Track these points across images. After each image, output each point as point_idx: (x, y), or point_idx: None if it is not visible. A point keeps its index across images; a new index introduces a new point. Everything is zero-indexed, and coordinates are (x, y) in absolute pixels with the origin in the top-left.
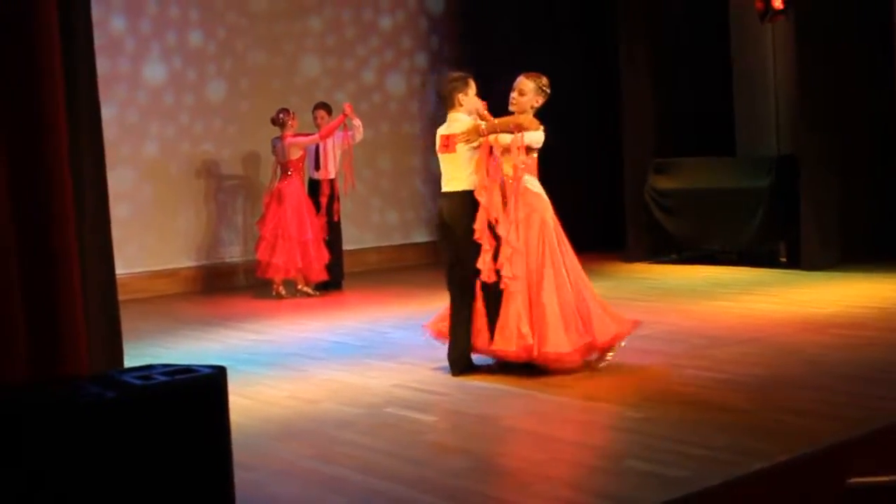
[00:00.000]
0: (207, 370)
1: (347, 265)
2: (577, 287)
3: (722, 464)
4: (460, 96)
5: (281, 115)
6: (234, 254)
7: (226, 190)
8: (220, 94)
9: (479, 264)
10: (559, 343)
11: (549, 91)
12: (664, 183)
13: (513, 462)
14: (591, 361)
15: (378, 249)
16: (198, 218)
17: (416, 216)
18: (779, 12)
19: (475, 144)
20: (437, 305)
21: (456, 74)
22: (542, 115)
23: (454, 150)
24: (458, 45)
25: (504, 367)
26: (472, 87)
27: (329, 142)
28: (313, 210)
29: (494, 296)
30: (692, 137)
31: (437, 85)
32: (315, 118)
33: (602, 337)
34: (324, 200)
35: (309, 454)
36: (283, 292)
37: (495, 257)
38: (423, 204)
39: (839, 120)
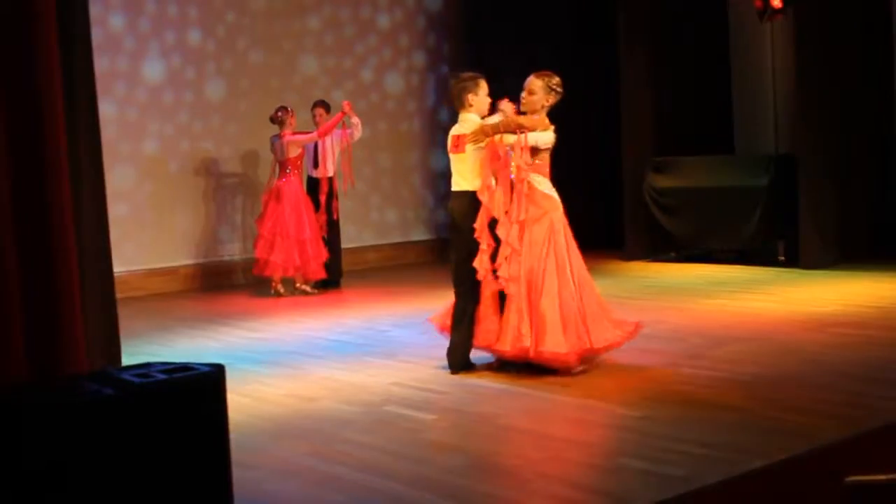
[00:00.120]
0: (206, 368)
1: (346, 263)
2: (580, 290)
3: (720, 462)
4: (470, 96)
5: (280, 114)
6: (232, 252)
7: (225, 188)
8: (219, 92)
9: (476, 263)
10: (557, 343)
11: (560, 90)
12: (663, 182)
13: (511, 460)
14: (587, 361)
15: (377, 248)
16: (196, 216)
17: (414, 214)
18: (777, 11)
19: (482, 145)
20: (436, 304)
21: (467, 75)
22: None
23: (463, 151)
24: (456, 43)
25: (503, 366)
26: (483, 88)
27: (328, 140)
28: (312, 208)
29: (504, 297)
30: (691, 136)
31: (449, 85)
32: (314, 116)
33: (598, 343)
34: (322, 198)
35: (307, 452)
36: (282, 290)
37: (493, 257)
38: (421, 202)
39: (838, 119)
